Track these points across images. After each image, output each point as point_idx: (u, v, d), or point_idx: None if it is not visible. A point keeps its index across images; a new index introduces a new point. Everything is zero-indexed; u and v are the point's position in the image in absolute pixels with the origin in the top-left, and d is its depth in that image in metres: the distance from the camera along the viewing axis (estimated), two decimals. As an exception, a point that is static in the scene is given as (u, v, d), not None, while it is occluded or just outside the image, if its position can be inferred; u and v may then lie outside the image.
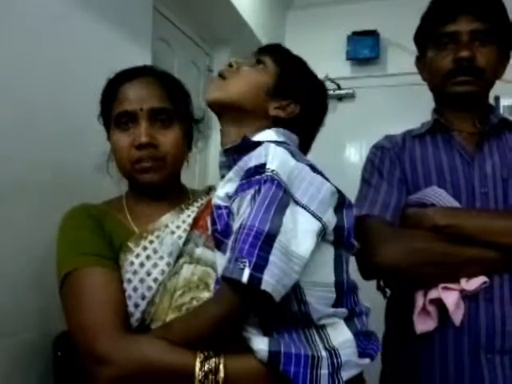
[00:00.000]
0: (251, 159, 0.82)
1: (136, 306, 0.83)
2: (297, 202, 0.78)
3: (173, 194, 0.99)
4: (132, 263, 0.86)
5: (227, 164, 0.91)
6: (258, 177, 0.78)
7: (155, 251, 0.87)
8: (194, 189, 1.08)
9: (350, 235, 0.87)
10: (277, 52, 0.99)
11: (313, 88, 1.01)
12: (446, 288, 0.99)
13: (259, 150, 0.83)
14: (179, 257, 0.88)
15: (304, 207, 0.78)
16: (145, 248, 0.87)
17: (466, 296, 1.00)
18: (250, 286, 0.69)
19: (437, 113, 1.18)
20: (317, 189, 0.81)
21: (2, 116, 1.10)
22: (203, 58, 2.50)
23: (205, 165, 2.50)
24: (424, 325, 1.01)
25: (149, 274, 0.85)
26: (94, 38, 1.42)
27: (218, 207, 0.84)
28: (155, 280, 0.84)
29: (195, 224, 0.93)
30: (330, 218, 0.82)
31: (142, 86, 0.94)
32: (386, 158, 1.16)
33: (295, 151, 0.86)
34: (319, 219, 0.79)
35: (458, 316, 0.99)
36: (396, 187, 1.11)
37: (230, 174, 0.85)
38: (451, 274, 0.99)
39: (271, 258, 0.71)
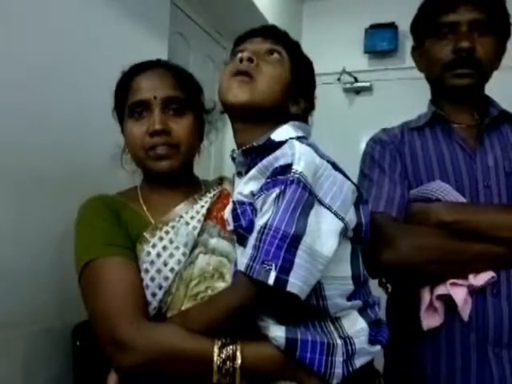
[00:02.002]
0: (278, 159, 0.81)
1: (153, 295, 0.85)
2: (320, 202, 0.79)
3: (186, 184, 1.01)
4: (149, 253, 0.87)
5: (246, 163, 0.90)
6: (284, 177, 0.78)
7: (171, 241, 0.89)
8: (206, 179, 1.09)
9: (366, 230, 0.88)
10: (287, 41, 0.96)
11: (314, 82, 1.00)
12: (454, 284, 0.99)
13: (284, 148, 0.82)
14: (194, 247, 0.89)
15: (327, 207, 0.79)
16: (161, 238, 0.89)
17: (473, 291, 0.99)
18: (276, 287, 0.72)
19: (434, 104, 1.16)
20: (339, 188, 0.82)
21: (21, 109, 1.13)
22: (219, 52, 2.50)
23: (221, 157, 2.50)
24: (431, 320, 1.01)
25: (165, 264, 0.86)
26: (111, 31, 1.44)
27: (242, 203, 0.85)
28: (172, 270, 0.86)
29: (209, 215, 0.94)
30: (352, 217, 0.84)
31: (155, 76, 0.96)
32: (386, 152, 1.14)
33: (316, 146, 0.86)
34: (341, 219, 0.80)
35: (466, 311, 0.98)
36: (398, 182, 1.09)
37: (254, 172, 0.84)
38: (459, 270, 0.99)
39: (297, 260, 0.73)
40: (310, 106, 0.98)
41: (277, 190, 0.77)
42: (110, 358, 0.81)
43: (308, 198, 0.77)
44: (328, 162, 0.84)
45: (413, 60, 1.22)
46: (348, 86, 3.06)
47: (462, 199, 1.04)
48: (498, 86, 1.19)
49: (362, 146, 3.42)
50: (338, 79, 3.04)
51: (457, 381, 1.00)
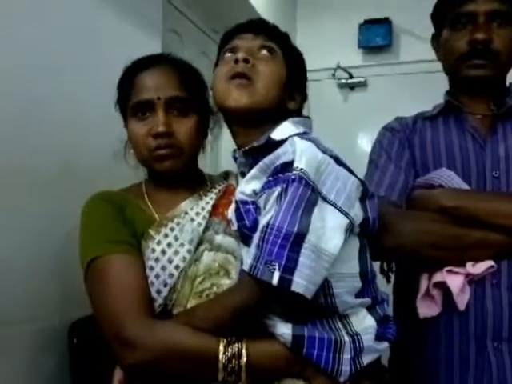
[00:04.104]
0: (279, 157, 0.80)
1: (158, 292, 0.84)
2: (324, 199, 0.78)
3: (191, 181, 1.00)
4: (153, 250, 0.87)
5: (248, 163, 0.89)
6: (285, 174, 0.77)
7: (176, 238, 0.88)
8: (211, 174, 1.09)
9: (374, 225, 0.87)
10: (278, 34, 0.93)
11: (306, 73, 0.98)
12: (450, 271, 0.97)
13: (285, 146, 0.81)
14: (199, 244, 0.88)
15: (331, 203, 0.78)
16: (166, 235, 0.89)
17: (472, 280, 0.98)
18: (281, 287, 0.71)
19: (450, 95, 1.16)
20: (343, 184, 0.81)
21: (17, 107, 1.12)
22: (214, 49, 2.47)
23: (216, 155, 2.50)
24: (427, 309, 1.00)
25: (170, 261, 0.86)
26: (104, 28, 1.43)
27: (245, 203, 0.84)
28: (177, 267, 0.85)
29: (214, 211, 0.94)
30: (357, 213, 0.83)
31: (159, 75, 0.95)
32: (396, 140, 1.14)
33: (317, 140, 0.85)
34: (346, 215, 0.79)
35: (462, 300, 0.97)
36: (403, 169, 1.09)
37: (255, 171, 0.84)
38: (457, 257, 0.97)
39: (301, 258, 0.72)
40: (304, 98, 0.97)
41: (278, 189, 0.77)
42: (116, 356, 0.80)
43: (311, 196, 0.76)
44: (331, 156, 0.83)
45: (432, 48, 1.21)
46: (342, 81, 3.06)
47: (465, 186, 1.03)
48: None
49: (357, 141, 3.45)
50: (333, 75, 3.04)
51: (455, 373, 0.99)
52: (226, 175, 1.06)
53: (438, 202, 0.99)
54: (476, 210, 0.96)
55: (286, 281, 0.71)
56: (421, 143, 1.13)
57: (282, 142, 0.83)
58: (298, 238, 0.72)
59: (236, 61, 0.87)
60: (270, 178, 0.80)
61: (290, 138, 0.83)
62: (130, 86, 0.95)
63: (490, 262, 0.97)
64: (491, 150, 1.06)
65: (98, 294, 0.84)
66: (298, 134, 0.85)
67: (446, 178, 1.03)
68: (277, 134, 0.85)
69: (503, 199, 0.99)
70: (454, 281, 0.96)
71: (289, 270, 0.71)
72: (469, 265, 0.97)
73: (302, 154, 0.78)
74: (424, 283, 1.00)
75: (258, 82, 0.86)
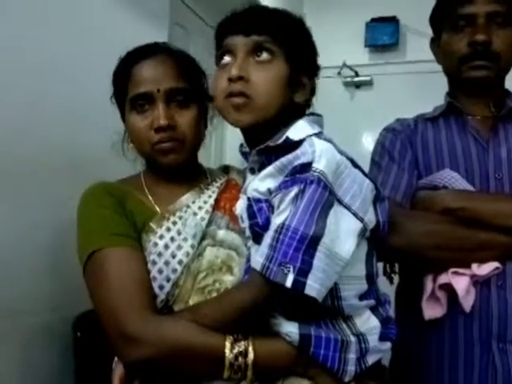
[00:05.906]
0: (298, 157, 0.78)
1: (161, 287, 0.83)
2: (339, 201, 0.77)
3: (191, 174, 0.98)
4: (156, 244, 0.85)
5: (260, 161, 0.86)
6: (303, 175, 0.76)
7: (179, 233, 0.87)
8: (210, 168, 1.07)
9: (384, 229, 0.86)
10: (272, 24, 0.85)
11: (314, 47, 0.91)
12: (456, 273, 0.97)
13: (304, 147, 0.79)
14: (202, 239, 0.87)
15: (346, 207, 0.78)
16: (168, 229, 0.87)
17: (477, 282, 0.98)
18: (294, 290, 0.71)
19: (450, 96, 1.16)
20: (359, 187, 0.80)
21: (18, 97, 1.12)
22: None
23: (221, 144, 2.49)
24: (432, 311, 0.99)
25: (174, 256, 0.84)
26: (110, 20, 1.43)
27: (258, 201, 0.82)
28: (180, 262, 0.84)
29: (216, 205, 0.92)
30: (371, 218, 0.82)
31: (157, 66, 0.91)
32: (398, 141, 1.14)
33: (333, 141, 0.83)
34: (361, 220, 0.79)
35: (468, 302, 0.97)
36: (407, 170, 1.09)
37: (271, 170, 0.81)
38: (462, 258, 0.97)
39: (315, 262, 0.72)
40: (314, 74, 0.90)
41: (295, 189, 0.75)
42: (118, 353, 0.79)
43: (328, 198, 0.75)
44: (347, 158, 0.81)
45: (431, 52, 1.20)
46: (348, 79, 3.06)
47: (469, 188, 1.03)
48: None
49: (362, 140, 3.43)
50: (339, 73, 3.04)
51: (459, 375, 0.99)
52: (226, 169, 1.05)
53: (442, 203, 0.99)
54: (481, 212, 0.96)
55: (299, 284, 0.71)
56: (423, 144, 1.13)
57: (298, 142, 0.81)
58: (314, 241, 0.72)
59: (230, 79, 0.82)
60: (287, 178, 0.78)
61: (308, 137, 0.81)
62: (127, 78, 0.92)
63: (495, 264, 0.97)
64: (493, 151, 1.07)
65: (99, 290, 0.82)
66: (315, 135, 0.82)
67: (450, 179, 1.03)
68: (294, 133, 0.82)
69: (508, 200, 0.99)
70: (460, 282, 0.96)
71: (303, 272, 0.71)
72: (474, 266, 0.97)
73: (322, 156, 0.77)
74: (429, 284, 0.99)
75: (257, 96, 0.81)
